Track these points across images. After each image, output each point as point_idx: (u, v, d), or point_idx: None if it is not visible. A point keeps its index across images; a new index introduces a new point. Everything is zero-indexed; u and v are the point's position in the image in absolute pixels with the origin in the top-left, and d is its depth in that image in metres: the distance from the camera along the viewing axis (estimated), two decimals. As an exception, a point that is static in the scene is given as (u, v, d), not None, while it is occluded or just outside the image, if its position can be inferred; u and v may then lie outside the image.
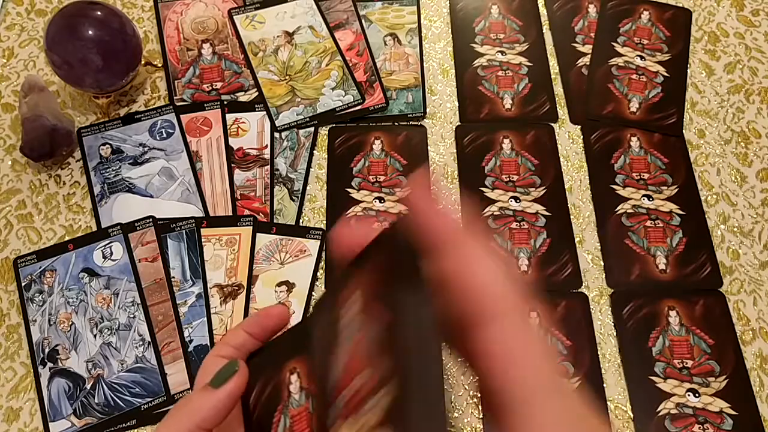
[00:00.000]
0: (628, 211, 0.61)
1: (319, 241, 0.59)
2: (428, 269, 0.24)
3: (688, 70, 0.69)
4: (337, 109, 0.66)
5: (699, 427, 0.52)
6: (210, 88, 0.67)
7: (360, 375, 0.25)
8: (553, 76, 0.69)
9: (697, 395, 0.53)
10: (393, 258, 0.25)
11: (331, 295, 0.29)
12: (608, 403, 0.53)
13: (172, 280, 0.58)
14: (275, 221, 0.61)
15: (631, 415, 0.53)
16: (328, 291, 0.32)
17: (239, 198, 0.62)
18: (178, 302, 0.57)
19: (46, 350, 0.55)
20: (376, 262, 0.26)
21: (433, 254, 0.25)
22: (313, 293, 0.58)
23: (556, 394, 0.24)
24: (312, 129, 0.65)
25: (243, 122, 0.66)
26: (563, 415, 0.24)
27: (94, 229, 0.60)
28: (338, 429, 0.25)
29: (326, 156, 0.65)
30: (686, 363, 0.55)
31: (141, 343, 0.55)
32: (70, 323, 0.56)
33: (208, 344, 0.56)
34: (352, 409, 0.25)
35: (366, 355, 0.25)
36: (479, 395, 0.26)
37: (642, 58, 0.70)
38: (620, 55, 0.70)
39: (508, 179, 0.63)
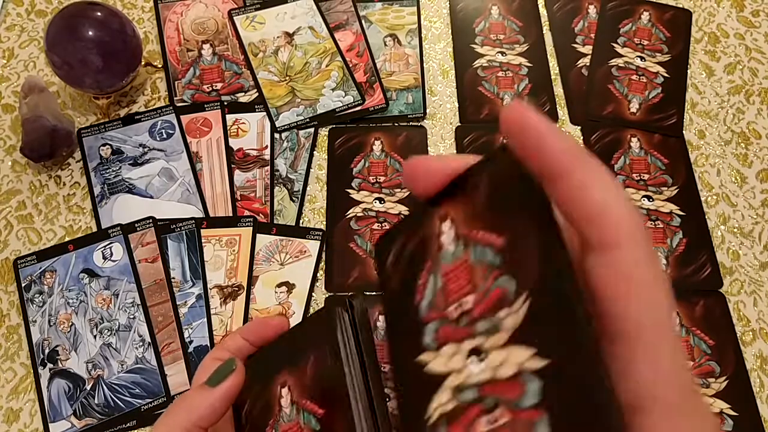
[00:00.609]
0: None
1: (319, 242, 0.59)
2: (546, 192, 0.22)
3: (688, 71, 0.69)
4: (337, 110, 0.66)
5: (699, 428, 0.52)
6: (210, 88, 0.67)
7: (469, 295, 0.22)
8: (553, 77, 0.69)
9: (697, 396, 0.53)
10: (501, 183, 0.23)
11: (409, 224, 0.26)
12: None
13: (172, 280, 0.58)
14: (275, 222, 0.61)
15: (632, 416, 0.53)
16: (402, 224, 0.28)
17: (239, 199, 0.62)
18: (178, 303, 0.57)
19: (46, 351, 0.55)
20: (483, 180, 0.24)
21: (549, 177, 0.22)
22: (313, 294, 0.58)
23: (670, 332, 0.21)
24: (312, 130, 0.65)
25: (243, 123, 0.66)
26: (675, 356, 0.21)
27: (94, 229, 0.60)
28: (436, 354, 0.23)
29: (326, 157, 0.65)
30: (686, 364, 0.55)
31: (141, 343, 0.55)
32: (70, 324, 0.56)
33: (208, 345, 0.56)
34: (458, 331, 0.22)
35: (477, 275, 0.22)
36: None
37: (642, 58, 0.70)
38: (620, 55, 0.70)
39: (508, 180, 0.63)
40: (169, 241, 0.59)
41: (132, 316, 0.56)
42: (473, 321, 0.22)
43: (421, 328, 0.24)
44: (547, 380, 0.19)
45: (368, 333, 0.30)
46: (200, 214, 0.61)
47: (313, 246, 0.59)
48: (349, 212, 0.61)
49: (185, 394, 0.33)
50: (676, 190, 0.63)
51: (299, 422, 0.31)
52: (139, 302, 0.57)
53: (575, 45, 0.71)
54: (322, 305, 0.57)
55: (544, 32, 0.72)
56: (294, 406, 0.31)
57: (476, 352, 0.21)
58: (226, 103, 0.66)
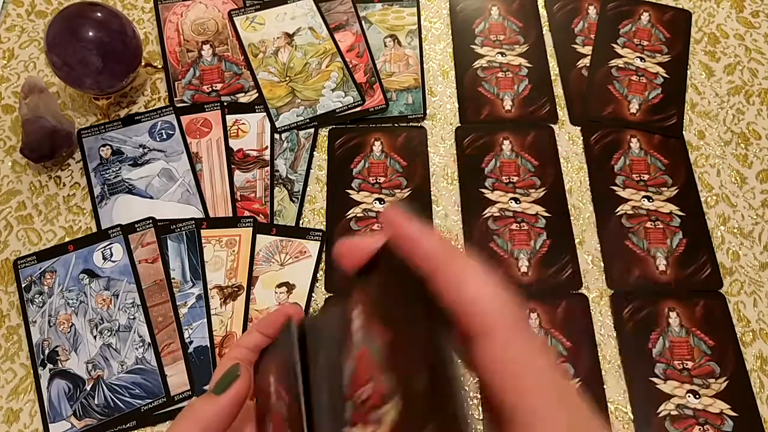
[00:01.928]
0: (628, 212, 0.61)
1: (319, 243, 0.59)
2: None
3: (688, 72, 0.69)
4: (337, 111, 0.66)
5: (699, 429, 0.52)
6: (210, 89, 0.67)
7: (367, 385, 0.25)
8: (553, 78, 0.69)
9: (697, 396, 0.53)
10: (392, 277, 0.26)
11: (340, 299, 0.29)
12: (608, 404, 0.53)
13: (172, 281, 0.58)
14: (275, 222, 0.61)
15: (632, 417, 0.53)
16: (337, 294, 0.31)
17: (239, 199, 0.62)
18: (178, 303, 0.57)
19: (46, 351, 0.55)
20: (376, 280, 0.27)
21: (425, 274, 0.25)
22: (313, 294, 0.58)
23: (561, 406, 0.23)
24: (312, 130, 0.65)
25: (243, 123, 0.66)
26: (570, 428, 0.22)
27: (94, 230, 0.60)
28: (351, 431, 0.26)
29: (326, 157, 0.65)
30: (686, 364, 0.55)
31: (141, 344, 0.55)
32: (70, 324, 0.56)
33: (208, 345, 0.56)
34: (360, 416, 0.25)
35: (372, 367, 0.25)
36: (481, 400, 0.24)
37: (642, 59, 0.70)
38: (620, 56, 0.70)
39: (508, 180, 0.63)
40: (169, 241, 0.59)
41: (132, 317, 0.56)
42: (370, 410, 0.24)
43: (343, 402, 0.26)
44: None
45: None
46: (200, 215, 0.61)
47: (313, 246, 0.59)
48: (349, 213, 0.61)
49: (192, 402, 0.33)
50: (676, 191, 0.63)
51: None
52: (139, 303, 0.57)
53: (575, 45, 0.71)
54: (322, 306, 0.57)
55: (544, 33, 0.72)
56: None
57: None
58: (226, 104, 0.66)
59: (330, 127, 0.66)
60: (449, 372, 0.22)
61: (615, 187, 0.63)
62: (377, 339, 0.25)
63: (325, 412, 0.28)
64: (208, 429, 0.32)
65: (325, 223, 0.61)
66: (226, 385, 0.33)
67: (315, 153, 0.65)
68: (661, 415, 0.53)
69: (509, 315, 0.24)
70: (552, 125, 0.66)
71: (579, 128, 0.66)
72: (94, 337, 0.55)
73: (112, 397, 0.53)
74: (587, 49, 0.71)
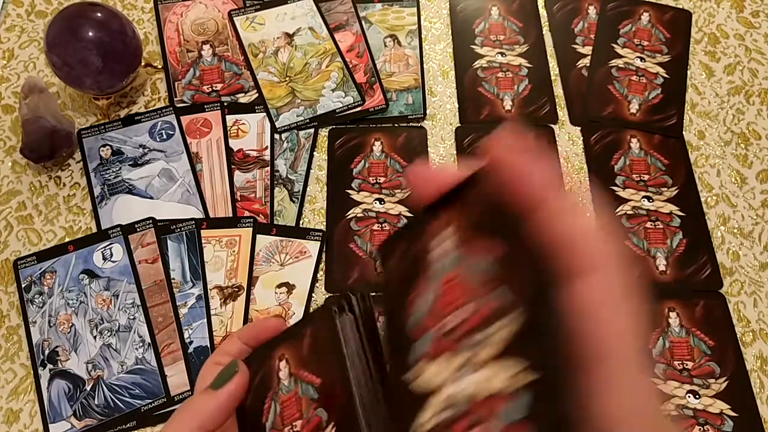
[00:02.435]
0: (628, 212, 0.61)
1: (319, 243, 0.59)
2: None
3: (688, 72, 0.69)
4: (337, 111, 0.66)
5: (699, 429, 0.52)
6: (210, 89, 0.67)
7: (461, 308, 0.23)
8: (553, 78, 0.69)
9: (697, 397, 0.53)
10: (494, 193, 0.24)
11: (408, 232, 0.28)
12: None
13: (172, 281, 0.58)
14: (275, 222, 0.61)
15: (632, 417, 0.53)
16: (403, 230, 0.30)
17: (239, 199, 0.62)
18: (178, 304, 0.57)
19: (46, 352, 0.55)
20: (475, 196, 0.25)
21: (525, 207, 0.23)
22: (313, 294, 0.58)
23: (632, 365, 0.22)
24: (312, 130, 0.65)
25: (243, 123, 0.66)
26: (634, 392, 0.21)
27: (94, 230, 0.60)
28: (422, 370, 0.23)
29: (326, 157, 0.65)
30: (686, 364, 0.55)
31: (141, 344, 0.55)
32: (70, 325, 0.56)
33: (208, 346, 0.56)
34: (447, 345, 0.23)
35: (471, 288, 0.23)
36: None
37: (642, 59, 0.70)
38: (620, 56, 0.70)
39: (508, 180, 0.63)
40: (169, 241, 0.59)
41: (132, 317, 0.56)
42: (462, 336, 0.22)
43: (409, 344, 0.25)
44: (536, 395, 0.19)
45: (370, 321, 0.31)
46: (200, 215, 0.61)
47: (313, 247, 0.59)
48: (349, 213, 0.61)
49: (190, 398, 0.34)
50: (676, 191, 0.63)
51: (297, 392, 0.32)
52: (139, 303, 0.57)
53: (575, 46, 0.71)
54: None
55: (544, 33, 0.72)
56: (292, 377, 0.33)
57: (467, 365, 0.21)
58: (226, 104, 0.66)
59: (330, 127, 0.66)
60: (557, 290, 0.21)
61: (615, 188, 0.63)
62: (482, 256, 0.23)
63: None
64: (206, 423, 0.32)
65: (325, 223, 0.61)
66: (225, 380, 0.33)
67: (315, 153, 0.65)
68: (661, 415, 0.53)
69: (603, 257, 0.23)
70: (552, 125, 0.66)
71: (579, 128, 0.66)
72: (94, 338, 0.55)
73: (112, 397, 0.53)
74: (587, 49, 0.71)
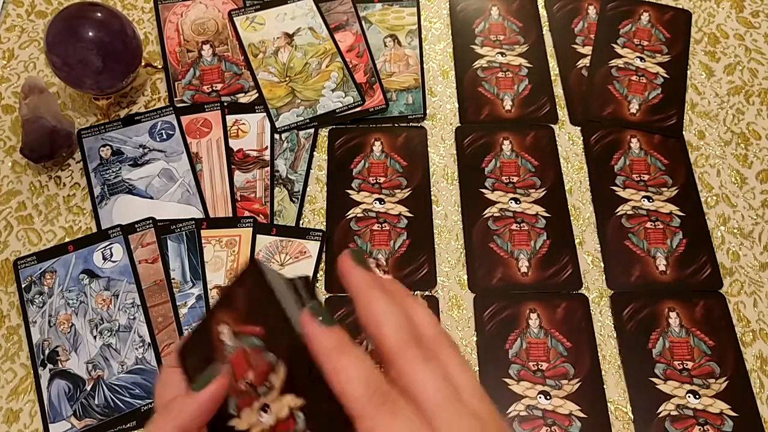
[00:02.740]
0: (628, 212, 0.62)
1: (319, 243, 0.59)
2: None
3: (688, 72, 0.69)
4: (337, 111, 0.66)
5: (699, 429, 0.52)
6: (210, 89, 0.67)
7: (247, 373, 0.34)
8: (553, 78, 0.69)
9: (697, 397, 0.53)
10: (252, 293, 0.34)
11: (198, 334, 0.37)
12: (608, 404, 0.53)
13: (172, 281, 0.58)
14: (275, 223, 0.61)
15: (632, 417, 0.53)
16: (193, 333, 0.38)
17: (239, 199, 0.62)
18: (178, 304, 0.57)
19: (46, 352, 0.55)
20: (241, 295, 0.35)
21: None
22: (313, 295, 0.58)
23: None
24: (312, 130, 0.65)
25: (243, 123, 0.66)
26: None
27: (94, 230, 0.60)
28: (236, 423, 0.33)
29: (326, 157, 0.65)
30: (686, 364, 0.55)
31: (141, 344, 0.55)
32: (70, 325, 0.56)
33: (208, 346, 0.56)
34: (244, 403, 0.33)
35: (249, 358, 0.34)
36: None
37: (642, 59, 0.70)
38: (620, 56, 0.70)
39: (508, 180, 0.63)
40: (169, 241, 0.59)
41: (132, 317, 0.56)
42: (254, 389, 0.33)
43: (225, 404, 0.35)
44: (307, 413, 0.31)
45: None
46: (200, 215, 0.61)
47: (313, 247, 0.59)
48: (349, 213, 0.61)
49: (170, 401, 0.34)
50: (676, 191, 0.63)
51: (243, 348, 0.36)
52: (139, 303, 0.57)
53: (575, 46, 0.71)
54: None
55: (544, 33, 0.72)
56: (235, 336, 0.37)
57: (263, 407, 0.32)
58: (226, 104, 0.66)
59: (330, 127, 0.66)
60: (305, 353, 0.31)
61: (615, 188, 0.63)
62: (250, 335, 0.34)
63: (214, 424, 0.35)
64: (187, 424, 0.32)
65: (325, 224, 0.61)
66: (206, 382, 0.33)
67: (315, 153, 0.65)
68: (661, 415, 0.53)
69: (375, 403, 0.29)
70: (552, 125, 0.66)
71: (579, 128, 0.66)
72: (94, 338, 0.55)
73: (112, 397, 0.53)
74: (587, 49, 0.71)
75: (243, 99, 0.67)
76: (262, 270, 0.34)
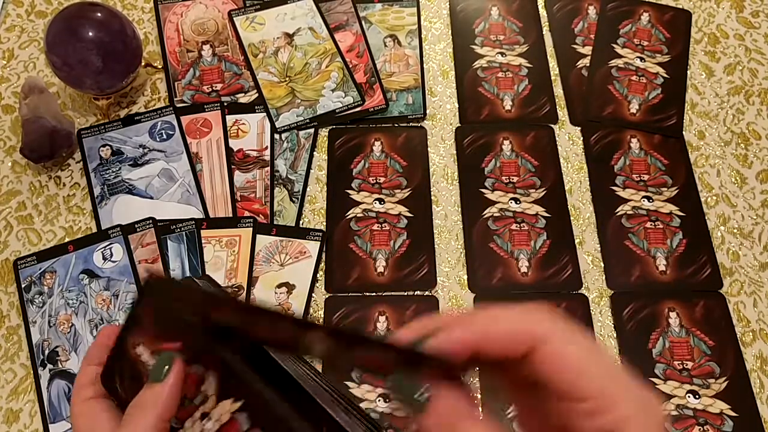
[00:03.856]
0: (628, 212, 0.61)
1: (319, 243, 0.59)
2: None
3: (688, 72, 0.69)
4: (337, 111, 0.66)
5: (699, 429, 0.52)
6: (210, 89, 0.67)
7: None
8: (553, 78, 0.69)
9: (697, 397, 0.53)
10: (159, 310, 0.35)
11: (114, 361, 0.37)
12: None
13: (172, 281, 0.58)
14: (275, 223, 0.61)
15: (632, 417, 0.53)
16: (109, 361, 0.38)
17: (239, 199, 0.62)
18: (178, 304, 0.57)
19: (46, 352, 0.55)
20: (144, 318, 0.36)
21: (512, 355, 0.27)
22: (313, 295, 0.58)
23: (628, 386, 0.28)
24: (312, 130, 0.65)
25: (243, 123, 0.66)
26: None
27: (94, 230, 0.60)
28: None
29: (326, 157, 0.65)
30: (686, 364, 0.55)
31: (141, 344, 0.55)
32: (70, 325, 0.56)
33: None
34: (183, 414, 0.34)
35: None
36: None
37: (642, 59, 0.70)
38: (620, 56, 0.70)
39: (508, 180, 0.63)
40: (169, 241, 0.59)
41: (132, 317, 0.56)
42: (191, 399, 0.34)
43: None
44: (250, 411, 0.31)
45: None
46: (200, 215, 0.61)
47: (313, 247, 0.59)
48: (349, 213, 0.61)
49: (138, 397, 0.34)
50: (676, 191, 0.63)
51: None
52: (139, 303, 0.56)
53: (575, 46, 0.71)
54: (322, 306, 0.57)
55: (544, 33, 0.72)
56: (155, 355, 0.37)
57: (203, 416, 0.33)
58: (226, 104, 0.66)
59: (330, 128, 0.66)
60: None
61: (615, 188, 0.63)
62: (169, 350, 0.35)
63: None
64: (164, 414, 0.33)
65: (325, 224, 0.61)
66: (165, 370, 0.34)
67: (315, 153, 0.65)
68: (661, 415, 0.53)
69: (558, 323, 0.27)
70: (552, 125, 0.66)
71: (579, 128, 0.66)
72: (94, 338, 0.55)
73: (112, 397, 0.53)
74: (587, 50, 0.71)
75: (243, 99, 0.67)
76: (154, 285, 0.34)
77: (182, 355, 0.34)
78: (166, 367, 0.34)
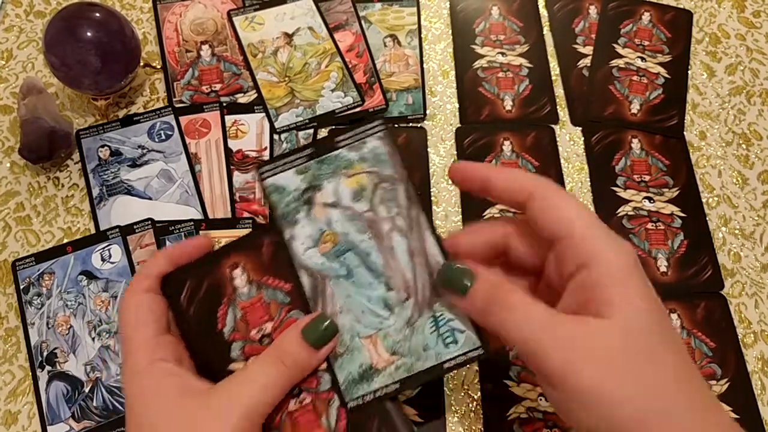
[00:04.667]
0: (630, 213, 0.61)
1: (318, 244, 0.59)
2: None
3: (689, 72, 0.69)
4: (336, 111, 0.65)
5: None
6: (209, 89, 0.67)
7: (265, 324, 0.37)
8: (553, 78, 0.69)
9: (698, 399, 0.53)
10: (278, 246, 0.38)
11: (196, 270, 0.38)
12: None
13: (171, 282, 0.57)
14: (274, 223, 0.61)
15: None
16: (190, 268, 0.38)
17: (238, 200, 0.62)
18: (177, 305, 0.57)
19: (45, 353, 0.55)
20: (254, 246, 0.38)
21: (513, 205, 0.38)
22: (312, 296, 0.57)
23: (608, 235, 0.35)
24: (311, 131, 0.65)
25: (242, 124, 0.65)
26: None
27: (93, 231, 0.60)
28: (239, 366, 0.36)
29: (326, 158, 0.64)
30: (687, 366, 0.54)
31: (140, 346, 0.55)
32: (69, 326, 0.56)
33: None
34: (256, 350, 0.36)
35: (271, 310, 0.37)
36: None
37: (643, 59, 0.69)
38: (621, 56, 0.70)
39: (508, 181, 0.63)
40: (167, 242, 0.59)
41: (131, 319, 0.56)
42: (272, 340, 0.35)
43: (227, 346, 0.36)
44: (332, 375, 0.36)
45: None
46: (199, 216, 0.61)
47: (312, 248, 0.59)
48: (348, 214, 0.61)
49: (286, 345, 0.35)
50: (677, 192, 0.62)
51: (263, 298, 0.37)
52: (138, 304, 0.56)
53: (576, 45, 0.71)
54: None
55: (544, 33, 0.71)
56: (253, 284, 0.37)
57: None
58: (225, 104, 0.66)
59: (330, 128, 0.66)
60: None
61: (616, 188, 0.62)
62: (275, 288, 0.37)
63: (208, 365, 0.36)
64: (298, 378, 0.36)
65: (324, 225, 0.61)
66: (326, 338, 0.36)
67: (314, 154, 0.65)
68: (662, 417, 0.52)
69: (547, 181, 0.36)
70: (553, 126, 0.66)
71: (580, 129, 0.66)
72: (93, 339, 0.55)
73: (111, 399, 0.53)
74: (588, 49, 0.70)
75: (242, 99, 0.67)
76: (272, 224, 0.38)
77: (289, 299, 0.36)
78: (325, 332, 0.36)
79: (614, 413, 0.30)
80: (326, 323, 0.35)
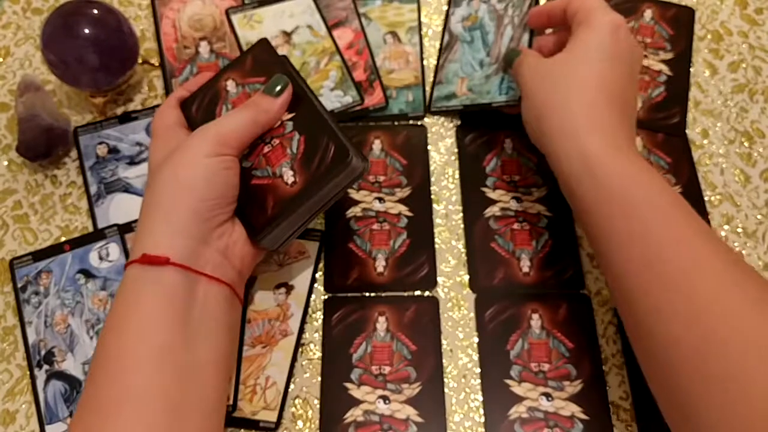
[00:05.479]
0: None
1: (318, 243, 0.59)
2: None
3: (692, 69, 0.69)
4: (335, 111, 0.65)
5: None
6: (208, 87, 0.67)
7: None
8: (554, 75, 0.68)
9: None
10: (257, 58, 0.52)
11: (202, 89, 0.53)
12: (609, 405, 0.53)
13: (170, 281, 0.57)
14: (274, 222, 0.60)
15: (633, 417, 0.52)
16: (198, 90, 0.53)
17: (237, 198, 0.61)
18: (175, 304, 0.56)
19: (42, 352, 0.54)
20: (243, 62, 0.52)
21: None
22: (311, 295, 0.57)
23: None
24: (311, 128, 0.65)
25: (241, 122, 0.65)
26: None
27: (91, 229, 0.60)
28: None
29: (325, 156, 0.64)
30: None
31: (138, 345, 0.55)
32: (67, 325, 0.55)
33: (206, 346, 0.55)
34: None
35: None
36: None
37: (645, 56, 0.69)
38: (623, 53, 0.69)
39: (509, 179, 0.62)
40: (166, 241, 0.58)
41: (129, 318, 0.55)
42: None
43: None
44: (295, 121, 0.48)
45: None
46: (198, 214, 0.60)
47: (312, 247, 0.59)
48: (348, 212, 0.61)
49: (251, 100, 0.49)
50: (680, 190, 0.62)
51: (246, 92, 0.50)
52: (136, 303, 0.56)
53: (577, 43, 0.70)
54: (321, 307, 0.57)
55: (545, 30, 0.71)
56: (239, 86, 0.51)
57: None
58: (224, 102, 0.66)
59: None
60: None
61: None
62: (253, 84, 0.51)
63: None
64: (267, 124, 0.48)
65: (324, 223, 0.60)
66: (281, 86, 0.49)
67: (314, 151, 0.64)
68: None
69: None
70: (554, 123, 0.65)
71: (581, 126, 0.66)
72: (91, 338, 0.55)
73: (109, 398, 0.53)
74: (589, 47, 0.70)
75: (241, 97, 0.66)
76: (264, 45, 0.51)
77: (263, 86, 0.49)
78: (280, 86, 0.48)
79: (535, 103, 0.50)
80: (281, 79, 0.48)
